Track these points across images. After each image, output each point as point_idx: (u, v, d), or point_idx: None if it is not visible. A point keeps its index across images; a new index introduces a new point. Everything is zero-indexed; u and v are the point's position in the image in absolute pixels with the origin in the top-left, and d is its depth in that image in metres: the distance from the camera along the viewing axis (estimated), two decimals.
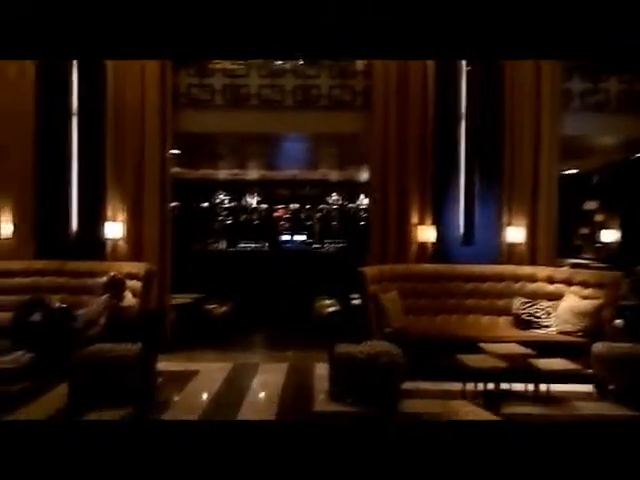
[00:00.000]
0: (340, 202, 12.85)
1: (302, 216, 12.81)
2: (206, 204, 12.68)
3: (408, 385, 4.67)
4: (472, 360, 4.54)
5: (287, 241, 12.26)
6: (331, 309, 7.32)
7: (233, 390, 5.11)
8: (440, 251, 6.50)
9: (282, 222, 12.80)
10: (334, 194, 12.82)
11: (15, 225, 6.27)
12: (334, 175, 12.05)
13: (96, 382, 4.52)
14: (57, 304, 5.55)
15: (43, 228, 6.41)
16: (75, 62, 6.46)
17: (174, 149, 7.40)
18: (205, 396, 4.89)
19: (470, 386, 4.66)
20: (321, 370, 5.38)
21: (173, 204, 11.83)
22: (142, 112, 6.25)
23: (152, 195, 6.28)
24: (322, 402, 4.67)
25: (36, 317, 5.34)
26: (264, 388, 5.14)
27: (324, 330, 6.37)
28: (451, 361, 4.63)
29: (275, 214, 12.82)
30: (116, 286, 5.64)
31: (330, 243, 11.95)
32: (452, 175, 6.56)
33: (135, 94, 6.21)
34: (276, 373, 5.55)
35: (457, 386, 4.71)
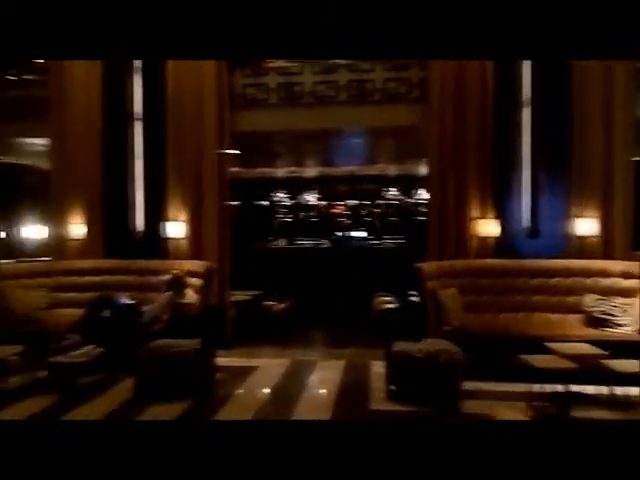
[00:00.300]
0: (398, 197, 12.63)
1: (360, 212, 12.71)
2: (265, 202, 12.88)
3: (468, 385, 4.49)
4: (538, 360, 4.29)
5: (345, 237, 12.21)
6: (389, 306, 7.22)
7: (290, 386, 5.15)
8: (503, 245, 6.21)
9: (340, 219, 12.76)
10: (392, 189, 12.61)
11: (86, 226, 6.65)
12: (392, 170, 11.87)
13: (159, 376, 4.69)
14: (125, 301, 5.83)
15: (111, 229, 6.75)
16: (138, 68, 6.75)
17: (232, 149, 7.57)
18: (263, 392, 4.95)
19: (536, 388, 4.42)
20: (379, 368, 5.29)
21: (233, 203, 12.20)
22: (200, 114, 6.42)
23: (211, 195, 6.44)
24: (378, 401, 4.60)
25: (105, 313, 5.63)
26: (321, 385, 5.14)
27: (382, 327, 6.28)
28: (515, 361, 4.41)
29: (333, 211, 12.80)
30: (178, 284, 5.84)
31: (389, 239, 11.78)
32: (515, 165, 6.23)
33: (193, 97, 6.39)
34: (333, 370, 5.53)
35: (521, 387, 4.48)
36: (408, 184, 12.34)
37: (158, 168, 6.59)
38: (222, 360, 5.76)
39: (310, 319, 8.08)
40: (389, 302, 7.48)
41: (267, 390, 4.98)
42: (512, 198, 6.24)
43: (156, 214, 6.66)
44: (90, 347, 5.04)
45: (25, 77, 7.50)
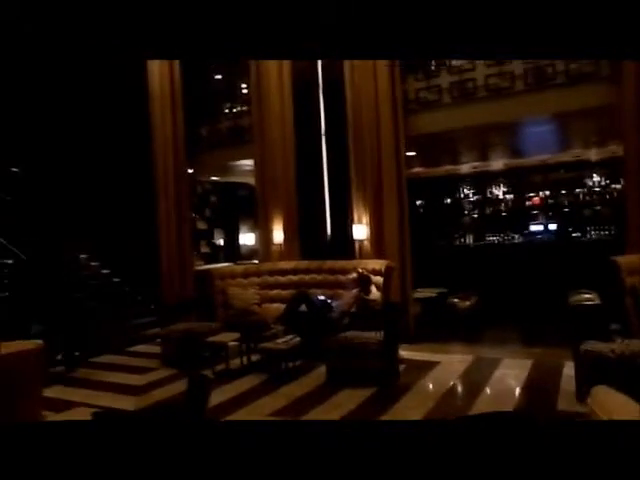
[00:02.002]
0: (602, 184, 11.27)
1: (555, 203, 11.70)
2: (451, 200, 12.76)
3: None
4: None
5: (539, 231, 11.40)
6: (586, 303, 6.62)
7: (471, 382, 5.20)
8: None
9: (533, 211, 11.94)
10: (594, 175, 11.31)
11: (284, 232, 7.65)
12: (592, 154, 10.67)
13: (347, 364, 5.24)
14: (318, 297, 6.55)
15: (305, 233, 7.63)
16: (321, 87, 7.52)
17: (411, 151, 7.85)
18: (443, 385, 5.10)
19: None
20: (571, 369, 4.98)
21: (418, 202, 12.40)
22: (377, 121, 6.83)
23: (390, 197, 6.80)
24: (566, 401, 4.37)
25: (303, 308, 6.43)
26: (503, 383, 5.07)
27: (575, 325, 5.84)
28: None
29: (525, 203, 12.05)
30: (363, 281, 6.32)
31: (591, 230, 10.62)
32: None
33: (369, 106, 6.84)
34: (518, 369, 5.38)
35: None
36: (613, 169, 10.93)
37: (342, 175, 7.23)
38: (406, 353, 6.10)
39: (497, 317, 7.86)
40: (589, 299, 6.85)
41: (447, 384, 5.12)
42: None
43: (342, 218, 7.31)
44: (290, 336, 5.85)
45: (234, 109, 8.94)
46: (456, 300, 7.84)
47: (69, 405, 4.92)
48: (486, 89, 6.53)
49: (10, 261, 7.63)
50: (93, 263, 9.51)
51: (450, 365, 5.71)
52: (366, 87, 6.85)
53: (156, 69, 8.59)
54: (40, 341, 2.99)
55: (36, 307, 7.19)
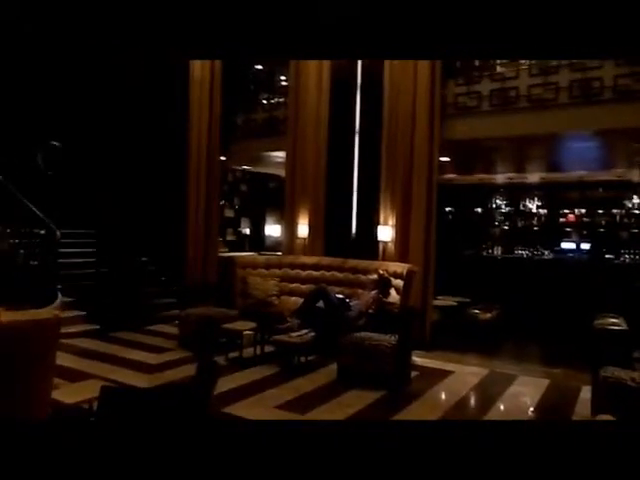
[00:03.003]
0: None
1: (591, 221, 11.37)
2: (482, 209, 12.55)
3: None
4: None
5: (571, 249, 11.09)
6: (611, 327, 6.42)
7: (483, 395, 5.11)
8: None
9: (566, 228, 11.63)
10: (634, 197, 10.94)
11: (310, 227, 7.65)
12: (634, 175, 10.32)
13: (357, 364, 5.21)
14: (337, 295, 6.54)
15: (330, 230, 7.62)
16: (359, 84, 7.48)
17: (443, 157, 7.73)
18: (454, 395, 5.02)
19: None
20: (589, 394, 4.84)
21: (447, 209, 12.23)
22: (412, 123, 6.75)
23: (419, 201, 6.72)
24: None
25: (320, 304, 6.42)
26: (516, 400, 4.95)
27: (597, 349, 5.67)
28: None
29: (558, 219, 11.75)
30: (383, 283, 6.29)
31: (626, 254, 10.28)
32: None
33: (406, 106, 6.75)
34: (533, 388, 5.26)
35: None
36: None
37: (372, 175, 7.17)
38: (419, 360, 6.04)
39: (517, 332, 7.70)
40: (614, 324, 6.65)
41: (458, 395, 5.04)
42: None
43: (368, 218, 7.27)
44: (305, 331, 5.85)
45: (271, 101, 8.98)
46: (477, 311, 7.72)
47: (84, 376, 5.04)
48: (528, 99, 6.36)
49: (42, 231, 7.85)
50: (123, 240, 9.71)
51: (463, 376, 5.62)
52: (405, 88, 6.77)
53: None
54: (57, 311, 3.07)
55: (63, 279, 7.40)
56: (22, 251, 7.80)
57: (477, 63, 6.95)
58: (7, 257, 7.28)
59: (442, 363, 6.05)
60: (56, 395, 3.23)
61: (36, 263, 7.62)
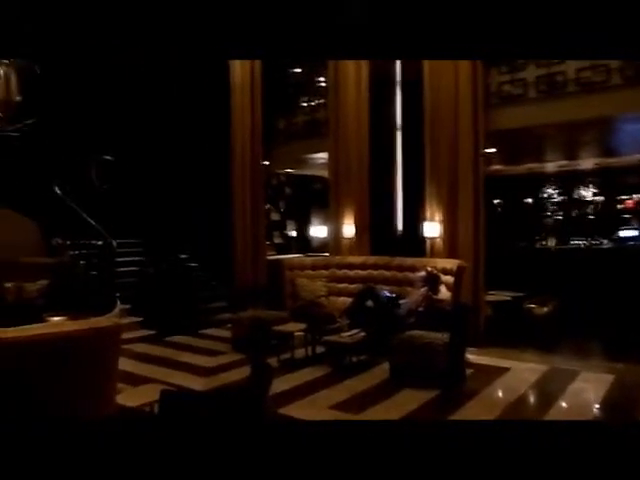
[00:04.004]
0: None
1: None
2: (532, 200, 12.14)
3: None
4: None
5: (631, 237, 10.53)
6: None
7: (544, 393, 4.94)
8: None
9: (625, 215, 11.06)
10: None
11: (355, 226, 7.64)
12: None
13: (410, 363, 5.15)
14: (386, 294, 6.49)
15: (376, 229, 7.58)
16: (398, 79, 7.41)
17: (489, 148, 7.53)
18: (512, 393, 4.87)
19: None
20: None
21: (496, 201, 11.89)
22: (455, 115, 6.61)
23: (465, 195, 6.57)
24: None
25: (369, 303, 6.40)
26: (578, 398, 4.75)
27: None
28: None
29: (616, 206, 11.19)
30: (432, 280, 6.18)
31: None
32: None
33: (448, 100, 6.62)
34: (597, 384, 5.03)
35: None
36: None
37: (416, 171, 7.08)
38: (474, 357, 5.90)
39: (576, 326, 7.38)
40: None
41: (515, 393, 4.88)
42: None
43: (414, 215, 7.18)
44: (355, 331, 5.85)
45: (311, 103, 9.03)
46: (533, 305, 7.46)
47: (144, 380, 5.24)
48: (577, 83, 6.10)
49: (100, 242, 8.22)
50: (173, 247, 10.03)
51: (521, 373, 5.45)
52: (446, 79, 6.64)
53: (238, 63, 8.87)
54: (117, 319, 3.21)
55: (120, 286, 7.72)
56: (82, 262, 8.20)
57: None
58: (68, 268, 7.67)
59: (498, 360, 5.89)
60: (119, 399, 3.37)
61: (95, 273, 8.00)
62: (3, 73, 8.34)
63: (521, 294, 8.00)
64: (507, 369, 5.57)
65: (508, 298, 7.88)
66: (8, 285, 6.35)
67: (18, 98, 8.46)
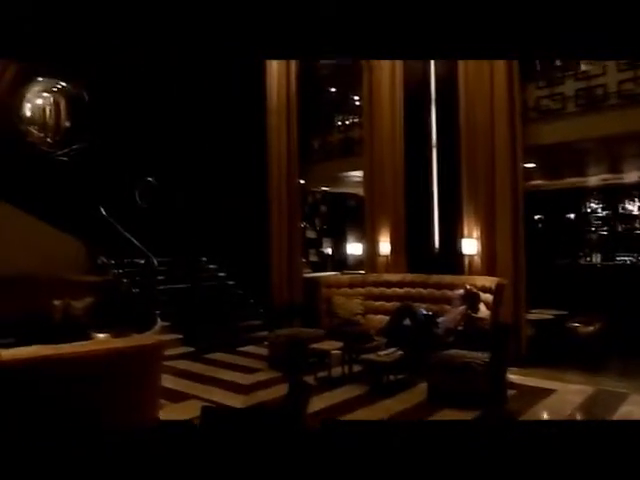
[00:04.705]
0: None
1: None
2: (575, 215, 11.78)
3: None
4: None
5: None
6: None
7: (590, 417, 4.74)
8: None
9: None
10: None
11: (391, 244, 7.61)
12: None
13: (449, 383, 5.05)
14: (423, 312, 6.42)
15: (412, 246, 7.53)
16: (433, 96, 7.41)
17: (528, 163, 7.40)
18: (557, 416, 4.71)
19: None
20: None
21: (537, 217, 11.61)
22: (492, 131, 6.54)
23: (504, 211, 6.46)
24: None
25: (406, 322, 6.33)
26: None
27: None
28: None
29: None
30: (471, 298, 6.08)
31: None
32: None
33: (484, 114, 6.56)
34: None
35: None
36: None
37: (452, 188, 7.02)
38: (515, 378, 5.74)
39: (625, 346, 7.07)
40: None
41: (563, 415, 4.71)
42: None
43: (451, 232, 7.09)
44: (393, 349, 5.78)
45: (346, 122, 9.13)
46: (577, 324, 7.22)
47: (185, 397, 5.34)
48: (618, 95, 5.95)
49: (142, 261, 8.48)
50: (211, 266, 10.25)
51: (566, 394, 5.26)
52: (481, 95, 6.60)
53: (274, 83, 9.08)
54: (158, 336, 3.30)
55: (162, 305, 7.92)
56: (125, 280, 8.48)
57: (558, 63, 6.63)
58: (112, 286, 7.94)
59: (541, 381, 5.70)
60: (161, 414, 3.44)
61: (137, 291, 8.25)
62: (53, 100, 8.86)
63: (564, 312, 7.75)
64: (551, 390, 5.38)
65: (551, 317, 7.64)
66: (56, 302, 6.65)
67: (67, 124, 8.95)
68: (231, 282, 9.91)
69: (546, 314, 7.70)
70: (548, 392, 5.34)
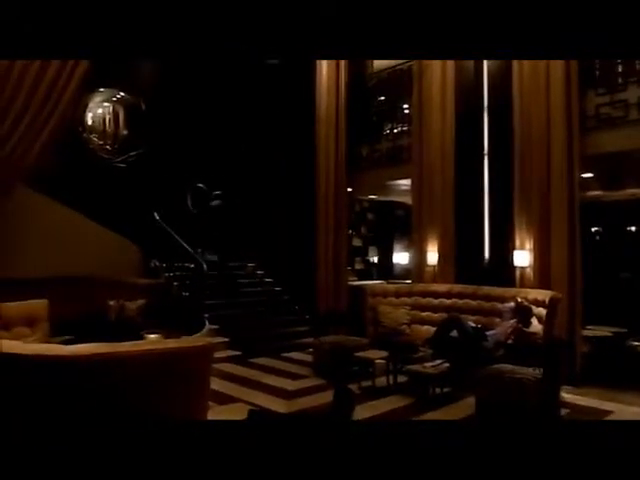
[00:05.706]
0: None
1: None
2: (637, 227, 11.21)
3: None
4: None
5: None
6: None
7: None
8: None
9: None
10: None
11: (439, 254, 7.48)
12: None
13: (499, 400, 4.89)
14: (471, 324, 6.26)
15: (461, 256, 7.37)
16: (485, 104, 7.25)
17: (586, 173, 7.12)
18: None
19: None
20: None
21: (594, 229, 11.11)
22: (547, 141, 6.34)
23: (559, 222, 6.23)
24: None
25: (454, 333, 6.19)
26: None
27: None
28: None
29: None
30: (523, 312, 5.88)
31: None
32: None
33: (539, 123, 6.37)
34: None
35: None
36: None
37: (504, 198, 6.84)
38: (569, 397, 5.51)
39: None
40: None
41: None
42: None
43: (503, 243, 6.90)
44: (439, 361, 5.67)
45: (394, 130, 9.08)
46: (638, 343, 6.84)
47: (231, 400, 5.43)
48: None
49: (192, 265, 8.73)
50: (259, 272, 10.41)
51: (623, 417, 4.97)
52: (537, 104, 6.41)
53: (324, 92, 9.17)
54: (208, 338, 3.38)
55: (210, 308, 8.11)
56: (175, 283, 8.75)
57: (620, 69, 6.36)
58: (163, 289, 8.21)
59: (597, 401, 5.42)
60: (208, 416, 3.51)
61: (187, 294, 8.49)
62: (113, 109, 9.31)
63: (624, 330, 7.38)
64: (609, 412, 5.11)
65: (609, 334, 7.28)
66: (111, 303, 6.94)
67: (125, 132, 9.38)
68: (278, 288, 10.02)
69: (604, 331, 7.35)
70: (604, 413, 5.08)
